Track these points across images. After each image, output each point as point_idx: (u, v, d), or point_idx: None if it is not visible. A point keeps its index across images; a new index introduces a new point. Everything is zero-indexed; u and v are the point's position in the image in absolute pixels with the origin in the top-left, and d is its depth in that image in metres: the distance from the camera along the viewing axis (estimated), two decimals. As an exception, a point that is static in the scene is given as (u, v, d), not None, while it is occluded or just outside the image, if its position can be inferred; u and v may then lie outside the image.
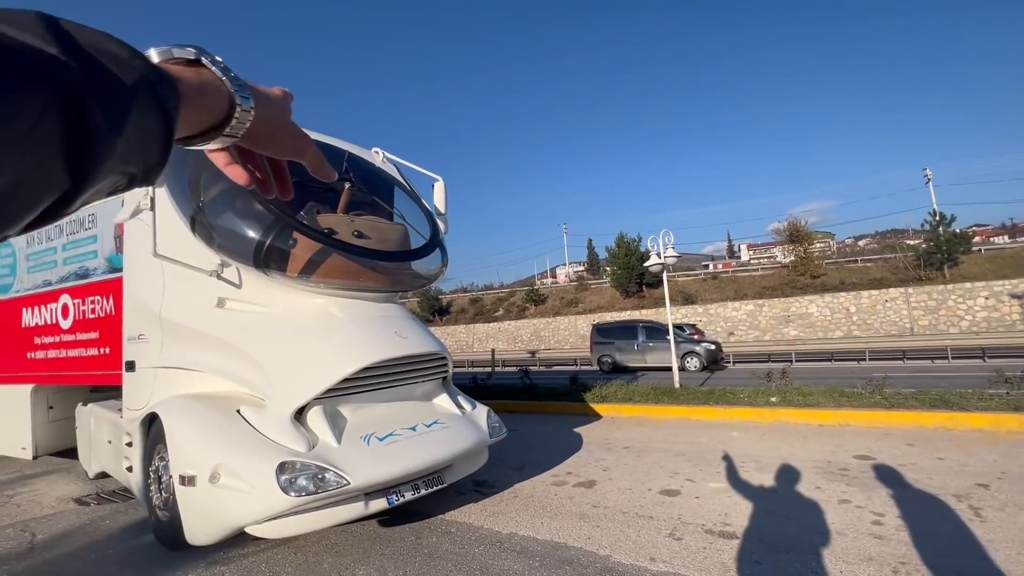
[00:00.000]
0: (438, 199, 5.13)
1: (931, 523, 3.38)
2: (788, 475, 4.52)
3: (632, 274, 31.59)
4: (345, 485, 3.00)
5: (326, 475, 2.99)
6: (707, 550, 3.19)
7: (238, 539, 3.34)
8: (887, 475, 4.37)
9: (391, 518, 3.93)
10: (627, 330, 16.54)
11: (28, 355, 5.61)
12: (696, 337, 16.76)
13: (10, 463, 6.29)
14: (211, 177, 3.60)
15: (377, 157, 5.02)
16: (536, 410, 8.79)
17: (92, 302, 4.72)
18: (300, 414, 3.33)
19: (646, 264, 10.76)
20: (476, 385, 11.00)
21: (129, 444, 4.02)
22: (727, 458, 5.18)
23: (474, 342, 35.15)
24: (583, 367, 20.49)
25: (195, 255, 3.55)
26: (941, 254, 25.63)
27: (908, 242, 32.64)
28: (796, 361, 17.14)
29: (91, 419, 5.04)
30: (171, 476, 3.28)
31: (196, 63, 0.45)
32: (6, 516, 4.48)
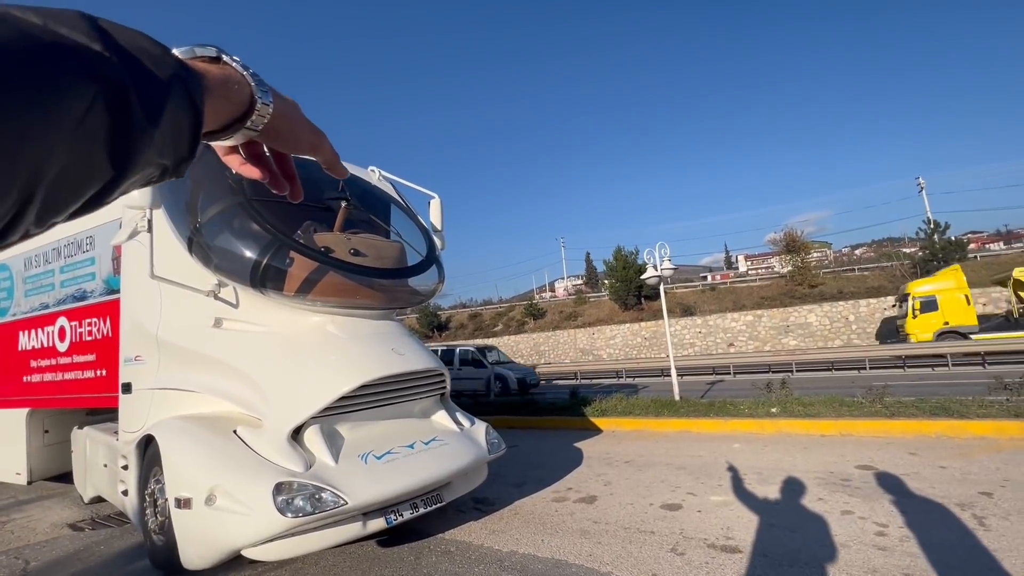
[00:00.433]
0: (434, 216, 5.17)
1: (935, 533, 3.35)
2: (790, 487, 4.49)
3: (630, 287, 31.64)
4: (343, 505, 2.97)
5: (323, 495, 2.96)
6: (709, 565, 3.15)
7: (234, 563, 3.29)
8: (889, 485, 4.34)
9: (390, 538, 3.88)
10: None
11: (24, 379, 5.58)
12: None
13: (4, 489, 6.21)
14: (208, 198, 3.64)
15: (373, 176, 5.07)
16: (536, 425, 8.73)
17: (89, 324, 4.72)
18: (297, 433, 3.32)
19: (643, 277, 10.80)
20: (476, 401, 10.93)
21: (125, 467, 3.98)
22: (729, 470, 5.14)
23: (474, 358, 34.86)
24: (583, 381, 20.39)
25: (192, 276, 3.56)
26: (937, 261, 25.78)
27: (904, 250, 32.83)
28: (796, 371, 17.08)
29: (87, 442, 5.00)
30: (167, 499, 3.24)
31: (217, 60, 0.47)
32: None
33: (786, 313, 25.73)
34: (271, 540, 2.94)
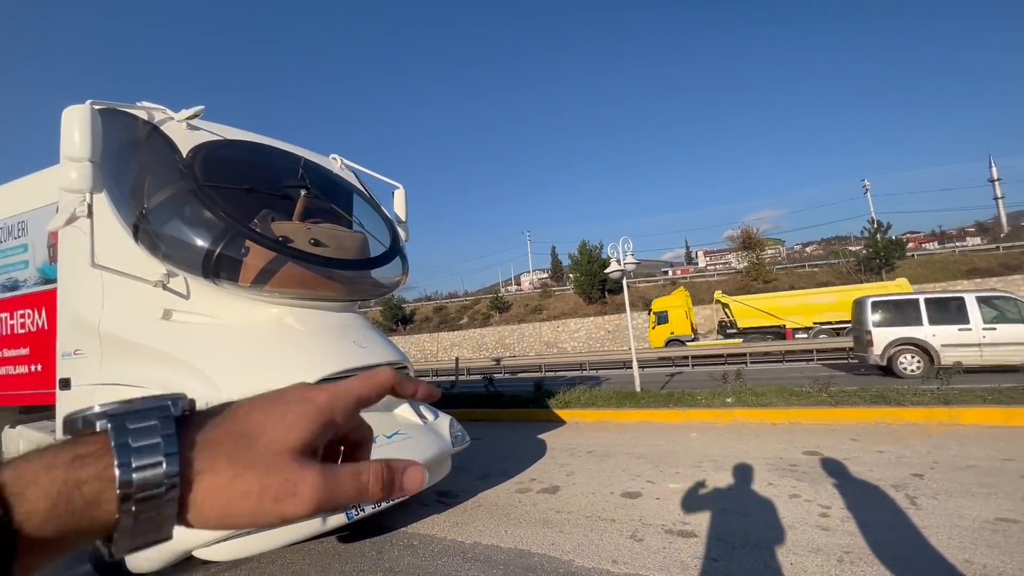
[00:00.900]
0: (398, 207, 5.08)
1: (872, 513, 3.58)
2: (743, 473, 4.69)
3: (595, 281, 32.12)
4: (301, 501, 2.90)
5: (281, 492, 2.88)
6: (667, 550, 3.26)
7: (185, 564, 3.17)
8: (833, 469, 4.60)
9: (351, 533, 3.83)
10: None
11: (-52, 375, 5.15)
12: None
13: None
14: (156, 183, 3.45)
15: (335, 164, 4.93)
16: (501, 418, 8.77)
17: (22, 316, 4.39)
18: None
19: (607, 271, 10.97)
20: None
21: (64, 467, 3.75)
22: (686, 459, 5.32)
23: (438, 351, 34.77)
24: (548, 373, 20.62)
25: (138, 265, 3.37)
26: (879, 259, 27.37)
27: (850, 248, 34.67)
28: (751, 363, 17.83)
29: (20, 443, 4.67)
30: (111, 500, 3.08)
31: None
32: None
33: (742, 307, 26.66)
34: (225, 539, 2.84)
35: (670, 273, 44.35)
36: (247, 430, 0.34)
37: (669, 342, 22.24)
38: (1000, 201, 63.91)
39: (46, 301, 4.11)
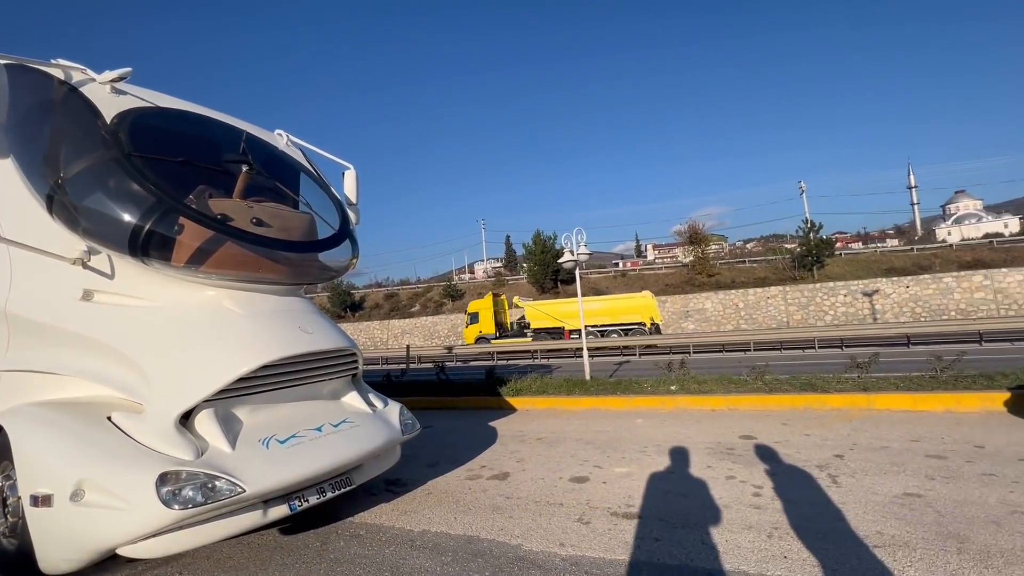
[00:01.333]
0: (349, 188, 4.88)
1: (799, 491, 3.85)
2: (684, 456, 4.91)
3: (548, 270, 32.46)
4: (240, 493, 2.76)
5: (217, 483, 2.72)
6: (612, 531, 3.36)
7: (109, 562, 2.95)
8: (765, 452, 4.90)
9: (294, 525, 3.70)
10: None
11: None
12: None
13: None
14: (74, 150, 3.12)
15: (281, 140, 4.66)
16: (452, 406, 8.74)
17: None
18: (187, 419, 3.01)
19: (560, 261, 11.10)
20: (390, 382, 10.69)
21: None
22: (632, 444, 5.51)
23: (389, 338, 34.14)
24: (500, 362, 20.71)
25: (53, 240, 3.06)
26: (811, 257, 29.28)
27: (786, 246, 36.86)
28: (693, 352, 18.68)
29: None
30: (19, 497, 2.81)
31: None
32: None
33: (687, 299, 27.89)
34: (154, 535, 2.67)
35: (620, 265, 45.51)
36: None
37: (478, 339, 26.12)
38: (916, 207, 69.90)
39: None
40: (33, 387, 3.12)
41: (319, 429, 3.44)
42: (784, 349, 18.36)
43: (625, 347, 20.68)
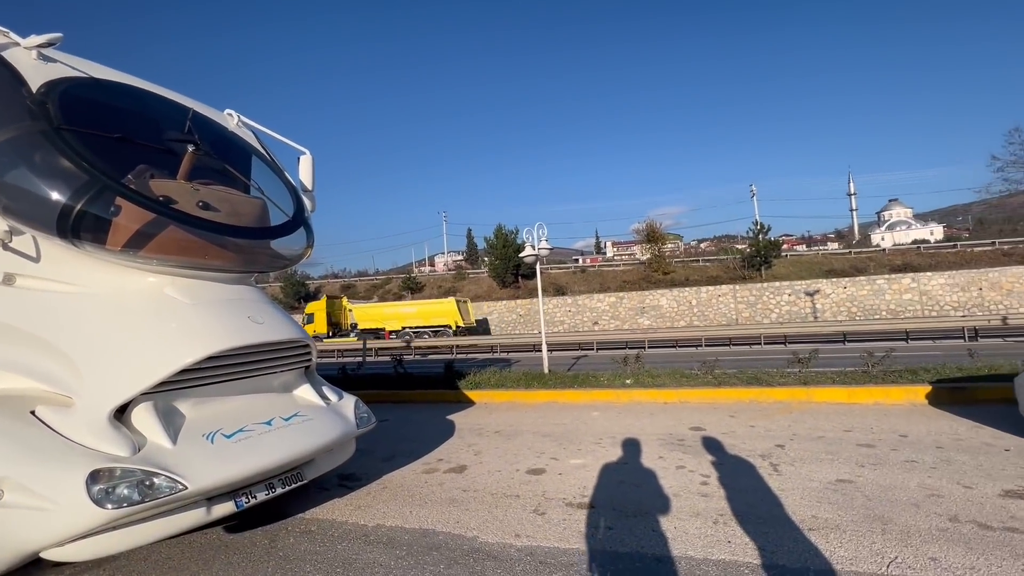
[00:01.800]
0: (304, 174, 4.70)
1: (743, 480, 4.04)
2: (638, 448, 5.05)
3: (509, 265, 32.53)
4: (181, 491, 2.62)
5: (155, 481, 2.58)
6: (567, 521, 3.42)
7: (31, 567, 2.74)
8: (713, 443, 5.11)
9: (240, 523, 3.55)
10: None
11: None
12: None
13: None
14: (-7, 120, 2.85)
15: (231, 120, 4.43)
16: (410, 399, 8.63)
17: None
18: (123, 413, 2.83)
19: (521, 255, 11.14)
20: (345, 375, 10.44)
21: None
22: (588, 436, 5.62)
23: (346, 331, 33.24)
24: (459, 355, 20.63)
25: (-32, 218, 2.79)
26: (760, 258, 30.70)
27: (737, 247, 38.46)
28: (648, 347, 19.23)
29: None
30: (-74, 499, 2.56)
31: None
32: None
33: (643, 296, 28.63)
34: (84, 537, 2.50)
35: (580, 261, 46.17)
36: None
37: (312, 338, 29.96)
38: (854, 213, 74.52)
39: None
40: (-57, 379, 2.85)
41: (269, 423, 3.32)
42: (733, 345, 19.22)
43: (458, 346, 23.49)
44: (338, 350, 24.05)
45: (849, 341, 17.77)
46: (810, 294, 26.00)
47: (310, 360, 4.02)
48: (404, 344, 23.45)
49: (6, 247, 2.86)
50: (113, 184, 2.99)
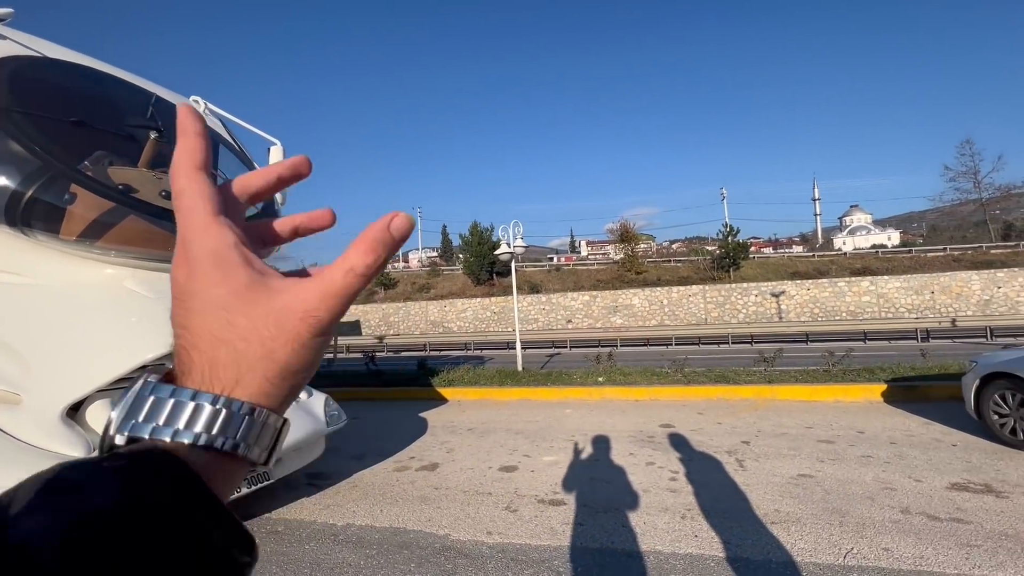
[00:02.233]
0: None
1: (710, 475, 4.14)
2: (609, 444, 5.12)
3: (484, 262, 32.45)
4: (139, 492, 2.52)
5: (112, 482, 2.47)
6: (539, 518, 3.44)
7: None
8: (681, 439, 5.23)
9: (203, 524, 3.44)
10: None
11: None
12: None
13: None
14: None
15: (198, 107, 4.26)
16: (382, 397, 8.53)
17: None
18: (76, 411, 2.70)
19: (497, 252, 11.13)
20: (316, 372, 10.24)
21: None
22: (561, 433, 5.66)
23: (316, 327, 32.63)
24: (432, 352, 20.50)
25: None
26: (729, 259, 31.51)
27: (708, 248, 39.38)
28: (621, 346, 19.52)
29: None
30: None
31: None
32: None
33: (616, 295, 29.01)
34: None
35: (555, 260, 46.46)
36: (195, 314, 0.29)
37: None
38: (818, 217, 77.27)
39: None
40: None
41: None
42: (702, 344, 19.68)
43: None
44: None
45: (812, 341, 18.43)
46: (776, 295, 26.86)
47: (279, 356, 3.92)
48: (377, 340, 23.15)
49: (-52, 235, 2.69)
50: (67, 170, 2.84)
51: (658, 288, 29.19)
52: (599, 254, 54.91)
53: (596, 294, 29.14)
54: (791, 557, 2.79)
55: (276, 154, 4.61)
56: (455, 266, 39.74)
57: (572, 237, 73.93)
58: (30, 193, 2.67)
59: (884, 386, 6.80)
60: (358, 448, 5.32)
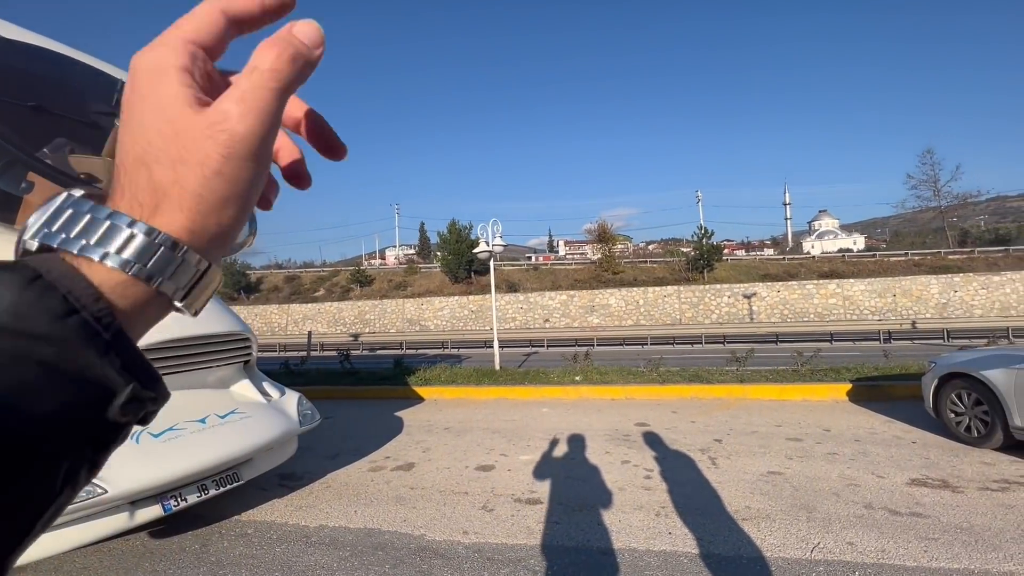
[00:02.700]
0: (248, 158, 4.45)
1: (683, 473, 4.22)
2: (585, 443, 5.16)
3: (462, 260, 32.31)
4: (100, 495, 2.42)
5: (71, 485, 2.36)
6: (515, 517, 3.44)
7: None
8: (656, 438, 5.30)
9: (169, 527, 3.33)
10: None
11: None
12: None
13: None
14: None
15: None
16: (357, 396, 8.40)
17: None
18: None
19: (475, 251, 11.09)
20: (288, 370, 10.02)
21: None
22: (537, 432, 5.68)
23: (289, 324, 31.95)
24: (408, 351, 20.31)
25: None
26: (703, 261, 32.15)
27: (683, 249, 40.09)
28: (597, 345, 19.71)
29: None
30: None
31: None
32: None
33: (593, 295, 29.27)
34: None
35: (533, 259, 46.59)
36: (135, 147, 0.27)
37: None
38: (789, 222, 79.54)
39: None
40: None
41: (203, 421, 3.12)
42: (676, 343, 20.04)
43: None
44: (281, 344, 22.94)
45: (781, 341, 18.96)
46: (747, 296, 27.52)
47: (250, 354, 3.82)
48: (352, 338, 22.80)
49: None
50: (24, 157, 2.70)
51: (634, 288, 29.56)
52: (577, 254, 55.31)
53: (573, 294, 29.34)
54: (761, 552, 2.86)
55: None
56: (433, 264, 39.46)
57: (550, 236, 74.31)
58: (-17, 180, 2.53)
59: (849, 385, 7.04)
60: (332, 448, 5.23)
